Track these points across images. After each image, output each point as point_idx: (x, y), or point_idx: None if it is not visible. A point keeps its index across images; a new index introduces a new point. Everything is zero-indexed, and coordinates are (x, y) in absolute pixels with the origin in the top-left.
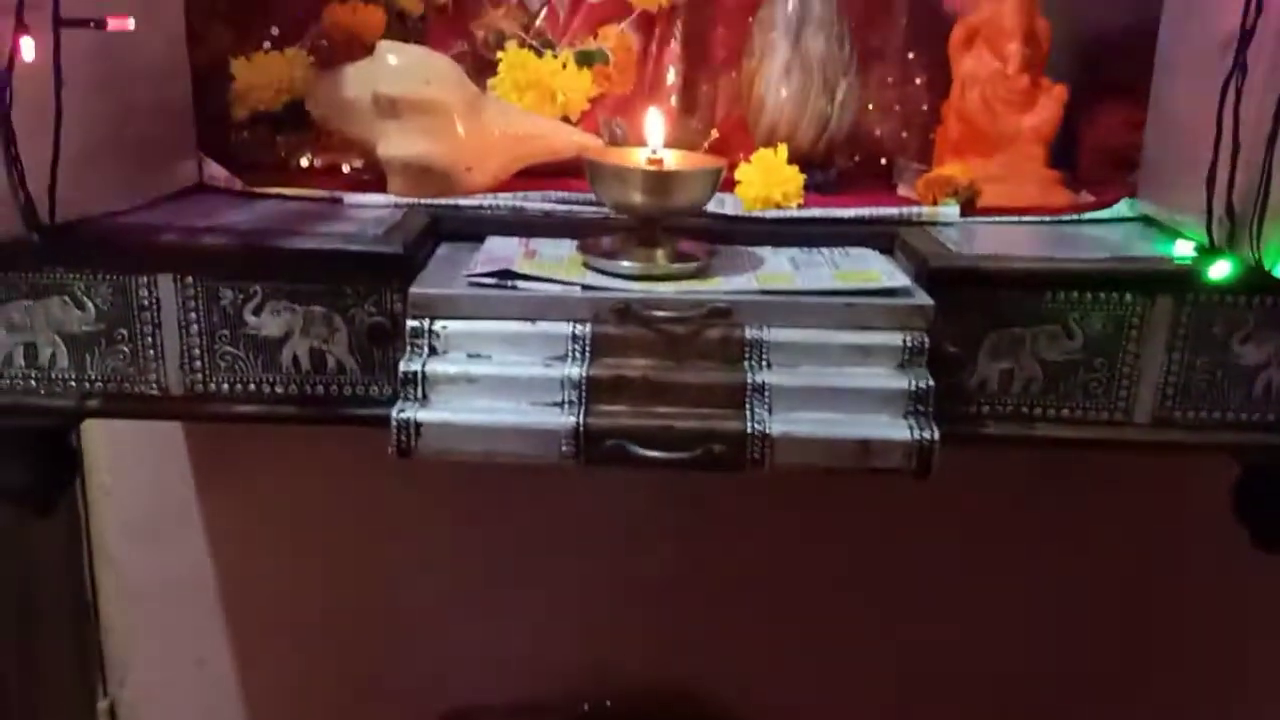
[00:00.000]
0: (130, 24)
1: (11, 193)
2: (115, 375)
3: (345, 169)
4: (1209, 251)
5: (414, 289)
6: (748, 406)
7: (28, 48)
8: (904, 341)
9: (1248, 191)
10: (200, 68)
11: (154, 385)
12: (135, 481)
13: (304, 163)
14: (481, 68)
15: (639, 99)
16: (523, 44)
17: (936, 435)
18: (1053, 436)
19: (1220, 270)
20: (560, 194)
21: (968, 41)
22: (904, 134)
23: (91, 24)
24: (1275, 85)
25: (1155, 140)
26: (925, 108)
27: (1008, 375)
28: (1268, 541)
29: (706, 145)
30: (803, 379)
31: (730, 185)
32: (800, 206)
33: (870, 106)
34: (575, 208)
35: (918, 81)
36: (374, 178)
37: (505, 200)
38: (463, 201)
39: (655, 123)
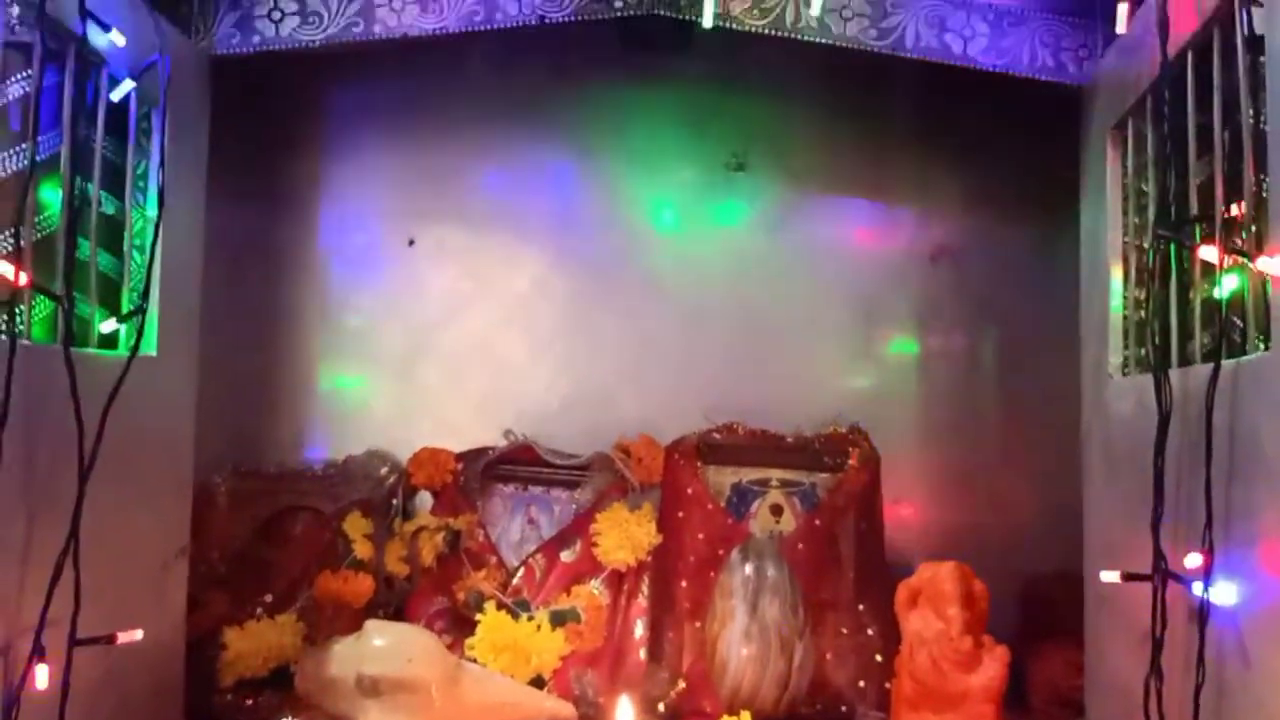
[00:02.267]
0: (139, 635)
1: None
2: None
3: None
4: None
5: None
6: None
7: (42, 676)
8: None
9: None
10: (195, 634)
11: None
12: None
13: None
14: (460, 623)
15: (609, 652)
16: (500, 605)
17: None
18: None
19: None
20: None
21: (911, 601)
22: (861, 683)
23: (103, 641)
24: (1190, 683)
25: (1095, 705)
26: (879, 658)
27: None
28: None
29: (674, 694)
30: None
31: None
32: None
33: (828, 656)
34: None
35: (870, 632)
36: None
37: None
38: None
39: (625, 712)
